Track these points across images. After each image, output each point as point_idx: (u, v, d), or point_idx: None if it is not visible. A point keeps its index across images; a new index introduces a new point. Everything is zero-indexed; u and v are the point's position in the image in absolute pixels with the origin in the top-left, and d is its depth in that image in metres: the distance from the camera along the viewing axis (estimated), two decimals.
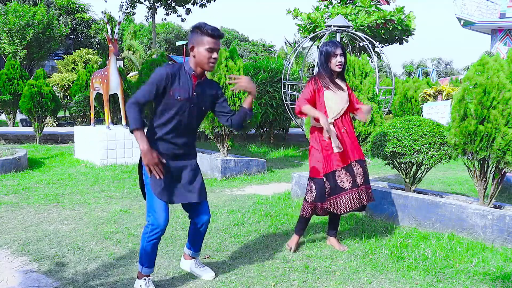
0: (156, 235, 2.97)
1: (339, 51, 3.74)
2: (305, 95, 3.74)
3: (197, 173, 3.18)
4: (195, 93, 3.03)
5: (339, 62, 3.74)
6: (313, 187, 3.80)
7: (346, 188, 3.72)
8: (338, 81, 3.83)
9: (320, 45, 3.81)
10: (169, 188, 3.01)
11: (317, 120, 3.67)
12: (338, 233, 4.37)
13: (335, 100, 3.74)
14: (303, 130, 9.23)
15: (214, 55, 2.96)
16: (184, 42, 24.13)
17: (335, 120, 3.75)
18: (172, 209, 5.13)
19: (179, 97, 2.96)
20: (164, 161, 2.97)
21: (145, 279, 3.07)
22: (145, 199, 3.11)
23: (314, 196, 3.79)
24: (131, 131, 2.89)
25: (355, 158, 3.80)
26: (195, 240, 3.33)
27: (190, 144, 3.15)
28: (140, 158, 3.03)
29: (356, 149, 3.83)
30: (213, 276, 3.33)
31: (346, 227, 4.55)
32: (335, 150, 3.68)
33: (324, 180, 3.75)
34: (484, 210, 4.06)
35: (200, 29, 2.94)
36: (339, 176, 3.73)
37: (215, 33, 2.93)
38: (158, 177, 2.93)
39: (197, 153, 3.70)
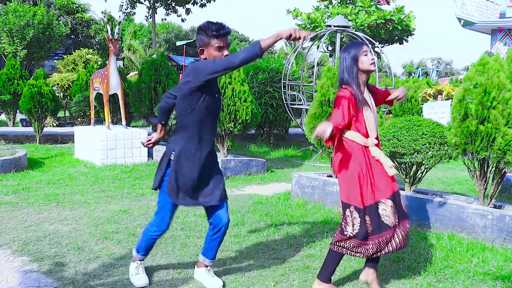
0: (157, 237, 3.19)
1: (365, 47, 3.06)
2: (340, 118, 2.92)
3: (220, 173, 3.17)
4: (218, 90, 3.07)
5: (371, 59, 3.04)
6: (356, 217, 2.96)
7: (390, 225, 2.95)
8: (366, 91, 3.13)
9: (341, 51, 3.15)
10: (189, 191, 3.02)
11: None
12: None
13: (372, 118, 3.04)
14: (303, 130, 9.23)
15: (225, 52, 2.88)
16: (184, 42, 24.09)
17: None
18: None
19: (208, 96, 2.94)
20: None
21: (137, 263, 3.28)
22: (156, 188, 3.10)
23: (358, 231, 2.95)
24: (261, 52, 2.69)
25: (394, 190, 3.02)
26: (210, 246, 3.22)
27: (213, 143, 3.16)
28: (165, 152, 3.03)
29: (386, 176, 3.01)
30: (220, 285, 3.19)
31: None
32: (391, 172, 2.97)
33: (366, 212, 2.96)
34: (484, 210, 4.06)
35: (204, 31, 2.87)
36: (384, 209, 2.96)
37: (221, 32, 2.85)
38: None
39: None
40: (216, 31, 2.83)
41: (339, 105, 2.95)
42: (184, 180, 2.98)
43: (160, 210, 3.10)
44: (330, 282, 3.12)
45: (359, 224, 2.94)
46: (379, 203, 2.95)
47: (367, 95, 3.09)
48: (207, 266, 3.27)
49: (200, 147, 3.00)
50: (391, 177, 3.01)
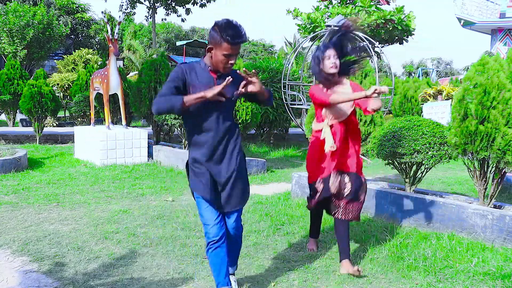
0: (213, 245, 2.83)
1: (330, 52, 3.48)
2: (321, 93, 3.46)
3: (240, 176, 2.94)
4: None
5: (332, 63, 3.47)
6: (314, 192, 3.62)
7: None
8: (340, 84, 3.57)
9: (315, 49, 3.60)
10: (216, 195, 2.87)
11: (325, 103, 3.43)
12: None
13: (335, 107, 3.48)
14: (303, 130, 9.23)
15: (232, 60, 2.76)
16: (184, 42, 24.10)
17: (335, 123, 3.51)
18: (172, 208, 5.13)
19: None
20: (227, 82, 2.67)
21: None
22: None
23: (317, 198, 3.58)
24: (181, 109, 2.67)
25: (345, 169, 3.52)
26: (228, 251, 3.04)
27: (230, 143, 2.92)
28: (187, 163, 2.93)
29: (350, 159, 3.53)
30: None
31: None
32: (327, 149, 3.43)
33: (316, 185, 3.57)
34: (484, 210, 4.06)
35: (219, 30, 2.68)
36: (322, 183, 3.51)
37: (236, 41, 2.68)
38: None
39: None
40: (232, 37, 2.66)
41: (315, 92, 3.51)
42: (203, 178, 2.86)
43: (202, 219, 2.89)
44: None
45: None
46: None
47: (342, 89, 3.53)
48: (232, 275, 3.20)
49: (205, 152, 2.85)
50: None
